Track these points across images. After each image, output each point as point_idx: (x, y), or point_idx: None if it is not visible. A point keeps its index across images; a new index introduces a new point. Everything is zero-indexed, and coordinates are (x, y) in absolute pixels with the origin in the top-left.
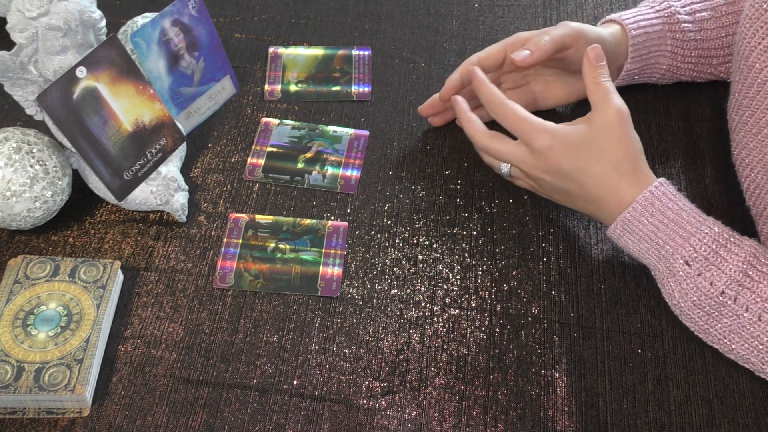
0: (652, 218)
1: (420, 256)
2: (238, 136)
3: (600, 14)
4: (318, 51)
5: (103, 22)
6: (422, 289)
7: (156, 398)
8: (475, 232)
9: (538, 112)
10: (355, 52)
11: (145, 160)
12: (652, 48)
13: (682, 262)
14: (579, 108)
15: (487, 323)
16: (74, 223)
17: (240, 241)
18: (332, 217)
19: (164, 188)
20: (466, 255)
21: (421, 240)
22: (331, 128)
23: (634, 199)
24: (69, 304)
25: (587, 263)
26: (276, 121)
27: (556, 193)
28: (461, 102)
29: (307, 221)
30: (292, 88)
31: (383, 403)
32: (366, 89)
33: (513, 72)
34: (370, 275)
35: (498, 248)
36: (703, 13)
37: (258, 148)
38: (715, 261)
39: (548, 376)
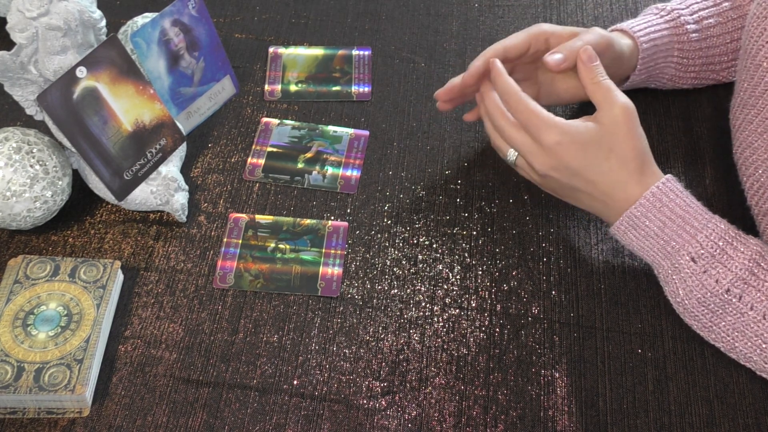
0: (659, 214)
1: (420, 256)
2: (238, 136)
3: (600, 14)
4: (318, 51)
5: (103, 22)
6: (422, 289)
7: (156, 398)
8: (475, 232)
9: None
10: (355, 52)
11: (145, 160)
12: (658, 60)
13: (688, 258)
14: (581, 109)
15: (487, 323)
16: (74, 223)
17: (240, 241)
18: (332, 217)
19: (164, 188)
20: (466, 255)
21: (421, 240)
22: (331, 128)
23: (641, 196)
24: (69, 304)
25: (587, 263)
26: (276, 121)
27: (562, 189)
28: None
29: (307, 221)
30: (292, 88)
31: (383, 403)
32: (366, 89)
33: (527, 64)
34: (370, 275)
35: (498, 248)
36: (710, 20)
37: (258, 148)
38: (722, 258)
39: (548, 376)
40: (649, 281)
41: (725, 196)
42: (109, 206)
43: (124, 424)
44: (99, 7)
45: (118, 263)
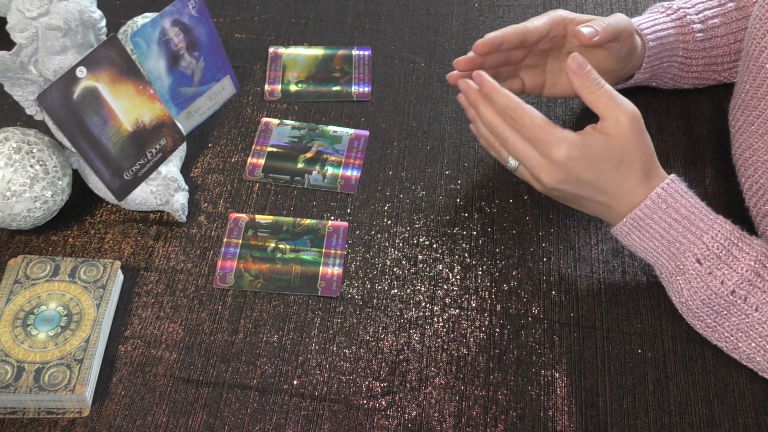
0: (664, 215)
1: (420, 256)
2: (238, 136)
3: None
4: (318, 51)
5: (103, 22)
6: (422, 289)
7: (156, 398)
8: (475, 232)
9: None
10: (355, 52)
11: (145, 160)
12: (663, 58)
13: (693, 260)
14: (581, 109)
15: (487, 323)
16: (74, 223)
17: (240, 241)
18: (332, 217)
19: (164, 188)
20: (466, 255)
21: (421, 240)
22: (331, 128)
23: (645, 197)
24: (69, 304)
25: (587, 263)
26: (276, 121)
27: (566, 197)
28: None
29: (307, 221)
30: (292, 88)
31: (383, 403)
32: (366, 89)
33: (539, 51)
34: (370, 275)
35: (498, 248)
36: (714, 20)
37: (258, 148)
38: (727, 259)
39: (548, 376)
40: (649, 281)
41: (725, 197)
42: (109, 206)
43: (124, 424)
44: (99, 7)
45: (118, 263)
